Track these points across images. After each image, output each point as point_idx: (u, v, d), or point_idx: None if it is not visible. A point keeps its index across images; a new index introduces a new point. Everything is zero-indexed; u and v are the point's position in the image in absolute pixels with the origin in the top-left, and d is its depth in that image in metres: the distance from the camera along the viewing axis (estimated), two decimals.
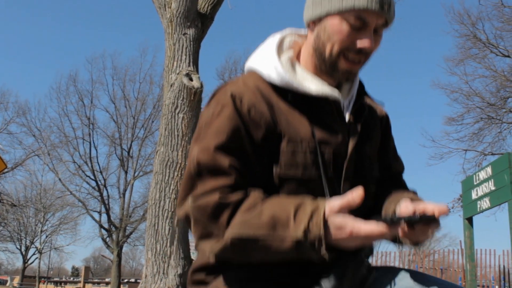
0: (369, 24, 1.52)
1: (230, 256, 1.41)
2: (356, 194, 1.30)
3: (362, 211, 1.45)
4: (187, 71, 7.03)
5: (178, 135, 6.82)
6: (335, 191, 1.54)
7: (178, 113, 6.87)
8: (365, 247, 1.54)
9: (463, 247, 6.89)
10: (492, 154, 21.55)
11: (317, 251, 1.31)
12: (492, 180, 6.12)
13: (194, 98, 6.92)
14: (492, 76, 22.35)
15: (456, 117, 23.07)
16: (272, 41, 1.66)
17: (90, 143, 32.69)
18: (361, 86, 1.72)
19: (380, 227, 1.29)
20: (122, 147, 32.74)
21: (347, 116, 1.63)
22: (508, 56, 21.58)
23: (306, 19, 1.63)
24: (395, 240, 1.55)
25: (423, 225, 1.42)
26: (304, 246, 1.31)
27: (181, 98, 6.89)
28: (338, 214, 1.31)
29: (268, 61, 1.60)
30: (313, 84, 1.59)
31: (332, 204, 1.32)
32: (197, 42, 7.39)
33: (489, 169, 6.27)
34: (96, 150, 32.89)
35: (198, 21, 7.50)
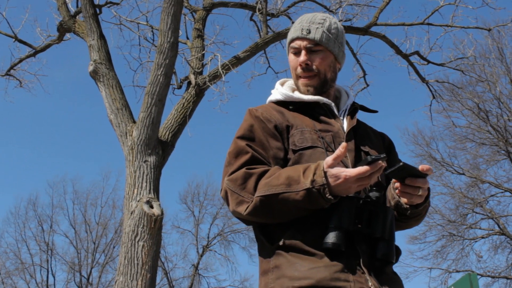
0: (299, 47, 2.16)
1: (260, 213, 1.82)
2: (341, 147, 1.75)
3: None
4: (148, 199, 7.03)
5: (138, 264, 6.68)
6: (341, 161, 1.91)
7: (138, 241, 6.77)
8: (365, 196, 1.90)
9: None
10: (457, 271, 21.52)
11: (323, 196, 1.74)
12: None
13: (154, 225, 6.87)
14: (450, 193, 22.85)
15: (419, 235, 23.20)
16: (276, 85, 2.28)
17: (47, 270, 31.49)
18: (358, 107, 2.26)
19: (365, 167, 1.73)
20: (81, 274, 31.61)
21: (345, 117, 2.18)
22: (463, 174, 22.23)
23: None
24: (400, 211, 2.01)
25: (411, 179, 1.86)
26: (313, 193, 1.75)
27: (141, 226, 6.83)
28: (333, 166, 1.76)
29: (274, 92, 2.24)
30: (305, 96, 2.15)
31: (327, 159, 1.77)
32: (158, 169, 7.46)
33: None
34: (54, 277, 31.63)
35: (159, 149, 7.62)
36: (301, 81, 2.17)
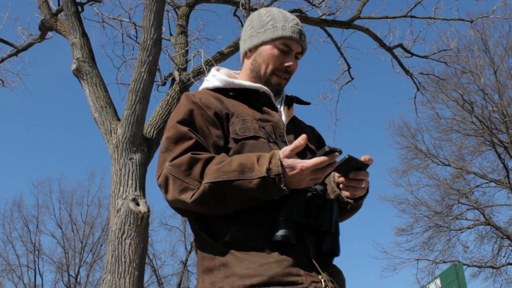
0: (292, 49, 2.10)
1: (207, 201, 1.73)
2: (301, 138, 1.71)
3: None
4: (134, 196, 7.00)
5: (125, 262, 6.65)
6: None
7: (125, 239, 6.75)
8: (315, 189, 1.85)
9: None
10: (444, 262, 21.71)
11: (278, 186, 1.69)
12: None
13: (141, 223, 6.84)
14: (435, 185, 23.04)
15: (406, 227, 23.37)
16: (210, 72, 2.19)
17: (35, 270, 31.32)
18: (290, 98, 2.22)
19: (322, 158, 1.69)
20: (69, 273, 31.48)
21: (282, 107, 2.14)
22: (449, 165, 22.40)
23: (243, 49, 2.18)
24: (341, 202, 1.97)
25: (354, 172, 1.86)
26: (267, 182, 1.68)
27: (128, 224, 6.80)
28: (289, 157, 1.71)
29: (210, 79, 2.14)
30: (246, 82, 2.10)
31: (284, 149, 1.72)
32: (143, 166, 7.43)
33: (438, 281, 6.30)
34: (42, 277, 31.49)
35: (144, 146, 7.59)
36: (276, 79, 2.11)
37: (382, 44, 11.78)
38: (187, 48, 9.81)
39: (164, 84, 9.73)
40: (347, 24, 11.22)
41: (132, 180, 7.17)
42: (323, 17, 11.28)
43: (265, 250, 1.75)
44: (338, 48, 12.19)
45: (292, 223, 1.75)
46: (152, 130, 8.04)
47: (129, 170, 7.23)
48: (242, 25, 11.47)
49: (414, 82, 12.67)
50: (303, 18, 10.85)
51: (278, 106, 2.15)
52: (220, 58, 9.41)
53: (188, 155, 1.78)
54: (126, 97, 7.75)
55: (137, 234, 6.80)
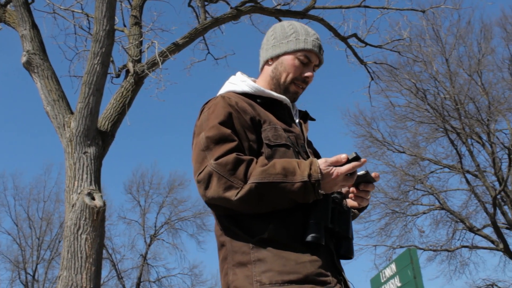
0: (311, 61, 2.27)
1: (252, 200, 1.84)
2: (343, 156, 1.90)
3: None
4: (89, 190, 6.90)
5: (81, 257, 6.56)
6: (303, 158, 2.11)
7: (80, 234, 6.65)
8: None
9: None
10: (401, 247, 22.13)
11: (316, 191, 1.86)
12: (397, 276, 6.26)
13: (97, 217, 6.75)
14: (392, 171, 23.42)
15: (363, 214, 23.69)
16: (236, 75, 2.33)
17: None
18: (304, 112, 2.41)
19: (354, 163, 1.90)
20: (26, 271, 30.87)
21: (296, 119, 2.31)
22: (404, 152, 22.81)
23: (265, 56, 2.32)
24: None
25: (364, 184, 2.09)
26: (308, 187, 1.84)
27: (83, 219, 6.70)
28: (326, 167, 1.89)
29: (238, 83, 2.26)
30: (275, 93, 2.24)
31: (325, 159, 1.92)
32: (98, 160, 7.32)
33: (393, 266, 6.43)
34: None
35: (99, 139, 7.48)
36: (294, 88, 2.28)
37: (336, 34, 11.87)
38: (141, 39, 9.67)
39: (118, 76, 9.58)
40: (302, 14, 11.25)
41: (87, 174, 7.07)
42: (278, 7, 11.29)
43: (298, 249, 1.88)
44: None
45: (321, 226, 1.91)
46: (107, 123, 7.93)
47: (83, 164, 7.12)
48: (197, 16, 11.41)
49: (369, 72, 12.83)
50: (258, 8, 10.84)
51: (295, 119, 2.32)
52: (175, 49, 9.32)
53: (233, 155, 1.90)
54: (79, 90, 7.62)
55: (93, 229, 6.71)
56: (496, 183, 21.00)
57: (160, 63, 8.71)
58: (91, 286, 6.50)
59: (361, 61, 12.54)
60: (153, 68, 8.82)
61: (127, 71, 8.95)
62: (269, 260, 1.85)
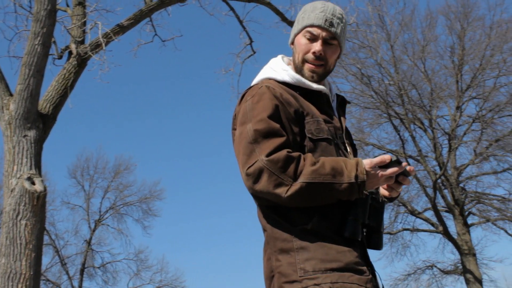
0: (317, 36, 2.23)
1: (301, 197, 1.92)
2: (387, 157, 2.02)
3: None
4: (29, 175, 6.71)
5: (21, 244, 6.39)
6: (344, 153, 2.21)
7: (20, 219, 6.47)
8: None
9: None
10: None
11: (360, 191, 1.97)
12: None
13: (37, 202, 6.58)
14: None
15: None
16: (277, 60, 2.34)
17: None
18: (341, 97, 2.47)
19: (396, 168, 2.04)
20: None
21: (334, 106, 2.35)
22: None
23: (289, 43, 2.36)
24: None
25: (403, 177, 2.13)
26: (354, 187, 1.94)
27: (23, 204, 6.52)
28: (371, 168, 1.99)
29: (280, 71, 2.25)
30: (314, 85, 2.24)
31: (370, 160, 2.02)
32: (39, 143, 7.12)
33: None
34: None
35: (40, 122, 7.26)
36: (308, 66, 2.25)
37: (283, 18, 11.87)
38: (84, 20, 9.41)
39: (60, 57, 9.31)
40: None
41: (26, 158, 6.87)
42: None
43: (337, 241, 1.99)
44: (240, 22, 12.16)
45: (358, 223, 2.03)
46: (48, 105, 7.71)
47: (23, 148, 6.91)
48: None
49: None
50: None
51: (334, 105, 2.37)
52: (120, 31, 9.12)
53: (285, 152, 1.96)
54: (19, 71, 7.37)
55: (33, 214, 6.54)
56: (437, 168, 21.62)
57: (103, 44, 8.51)
58: (31, 273, 6.35)
59: None
60: (97, 50, 8.61)
61: (70, 53, 8.71)
62: (312, 249, 1.95)
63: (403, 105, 21.40)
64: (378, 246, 2.18)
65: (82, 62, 8.49)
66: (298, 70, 2.27)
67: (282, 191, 1.91)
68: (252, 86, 2.24)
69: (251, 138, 2.00)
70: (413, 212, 22.00)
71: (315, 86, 2.24)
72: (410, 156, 21.75)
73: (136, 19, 9.45)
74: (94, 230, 28.70)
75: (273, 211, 2.05)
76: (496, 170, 23.35)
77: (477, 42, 22.33)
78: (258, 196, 2.02)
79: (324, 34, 2.23)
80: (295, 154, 1.98)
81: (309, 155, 2.01)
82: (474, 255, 21.31)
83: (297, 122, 2.11)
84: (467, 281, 20.79)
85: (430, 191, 21.11)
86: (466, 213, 22.28)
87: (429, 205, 21.74)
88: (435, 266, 23.20)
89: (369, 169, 2.00)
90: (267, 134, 2.00)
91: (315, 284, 1.89)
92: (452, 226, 21.88)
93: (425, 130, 22.22)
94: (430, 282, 23.14)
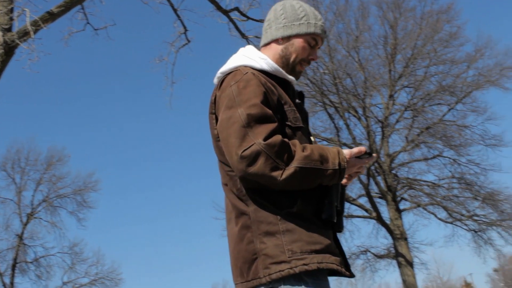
0: (318, 44, 2.45)
1: (294, 181, 2.04)
2: (363, 148, 2.24)
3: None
4: None
5: None
6: (310, 142, 2.35)
7: None
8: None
9: None
10: None
11: (340, 177, 2.15)
12: None
13: None
14: None
15: None
16: (250, 49, 2.42)
17: None
18: (300, 91, 2.57)
19: (370, 158, 2.29)
20: None
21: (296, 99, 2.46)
22: None
23: (275, 35, 2.42)
24: None
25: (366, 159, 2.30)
26: (336, 173, 2.12)
27: None
28: (351, 156, 2.20)
29: (257, 59, 2.34)
30: (288, 76, 2.39)
31: (350, 150, 2.20)
32: None
33: None
34: None
35: None
36: (299, 68, 2.43)
37: (218, 7, 11.81)
38: (11, 6, 9.05)
39: None
40: None
41: None
42: None
43: (318, 224, 2.14)
44: (175, 10, 12.01)
45: (333, 206, 2.18)
46: None
47: None
48: None
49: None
50: None
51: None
52: (49, 19, 8.81)
53: (280, 137, 2.05)
54: None
55: None
56: None
57: (32, 32, 8.21)
58: None
59: (243, 35, 12.56)
60: (25, 38, 8.29)
61: None
62: (298, 231, 2.07)
63: (337, 93, 21.74)
64: (341, 228, 2.30)
65: (9, 50, 8.17)
66: (290, 67, 2.41)
67: (277, 174, 2.01)
68: (232, 71, 2.28)
69: (244, 122, 2.06)
70: (347, 199, 22.45)
71: (289, 76, 2.38)
72: (345, 144, 22.15)
73: (67, 7, 9.17)
74: (26, 224, 27.88)
75: (258, 194, 2.12)
76: (427, 157, 24.16)
77: (409, 32, 22.95)
78: (247, 179, 2.06)
79: (321, 44, 2.47)
80: (287, 140, 2.09)
81: (296, 141, 2.13)
82: (406, 239, 22.00)
83: (278, 110, 2.21)
84: (399, 265, 21.46)
85: (364, 178, 21.58)
86: (399, 198, 22.95)
87: (363, 192, 22.26)
88: (369, 251, 23.81)
89: (348, 158, 2.18)
90: (261, 119, 2.07)
91: (304, 264, 2.02)
92: (385, 212, 22.52)
93: (359, 118, 22.67)
94: (364, 267, 23.77)
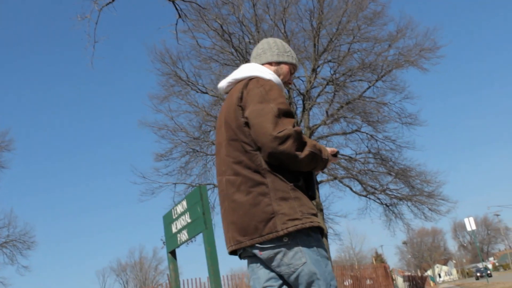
0: (294, 72, 3.27)
1: (308, 160, 2.70)
2: (335, 149, 3.05)
3: None
4: None
5: None
6: None
7: None
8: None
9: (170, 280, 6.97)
10: (200, 185, 22.68)
11: (325, 166, 2.87)
12: (188, 213, 6.31)
13: None
14: (195, 111, 23.71)
15: (165, 153, 23.80)
16: (257, 66, 3.05)
17: None
18: None
19: (338, 157, 3.21)
20: None
21: None
22: (207, 93, 23.15)
23: (270, 59, 3.16)
24: None
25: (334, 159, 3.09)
26: (325, 163, 2.83)
27: None
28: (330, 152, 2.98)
29: (266, 73, 2.97)
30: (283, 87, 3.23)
31: (331, 148, 3.00)
32: None
33: (184, 203, 6.46)
34: None
35: None
36: (285, 85, 3.24)
37: None
38: None
39: None
40: None
41: None
42: None
43: (308, 196, 2.80)
44: None
45: (314, 187, 2.87)
46: None
47: None
48: None
49: (176, 9, 12.57)
50: None
51: None
52: None
53: (300, 128, 2.70)
54: None
55: None
56: None
57: None
58: None
59: None
60: None
61: None
62: (302, 199, 2.72)
63: None
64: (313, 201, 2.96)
65: None
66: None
67: (299, 153, 2.64)
68: (252, 78, 2.90)
69: (276, 114, 2.67)
70: None
71: (285, 90, 3.06)
72: None
73: None
74: None
75: (277, 171, 2.71)
76: (346, 131, 24.72)
77: (335, 7, 23.14)
78: (275, 155, 2.64)
79: (295, 72, 3.29)
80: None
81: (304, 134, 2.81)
82: (322, 210, 22.53)
83: None
84: None
85: None
86: None
87: None
88: None
89: (330, 153, 2.93)
90: (286, 114, 2.72)
91: (311, 221, 2.67)
92: None
93: None
94: None
